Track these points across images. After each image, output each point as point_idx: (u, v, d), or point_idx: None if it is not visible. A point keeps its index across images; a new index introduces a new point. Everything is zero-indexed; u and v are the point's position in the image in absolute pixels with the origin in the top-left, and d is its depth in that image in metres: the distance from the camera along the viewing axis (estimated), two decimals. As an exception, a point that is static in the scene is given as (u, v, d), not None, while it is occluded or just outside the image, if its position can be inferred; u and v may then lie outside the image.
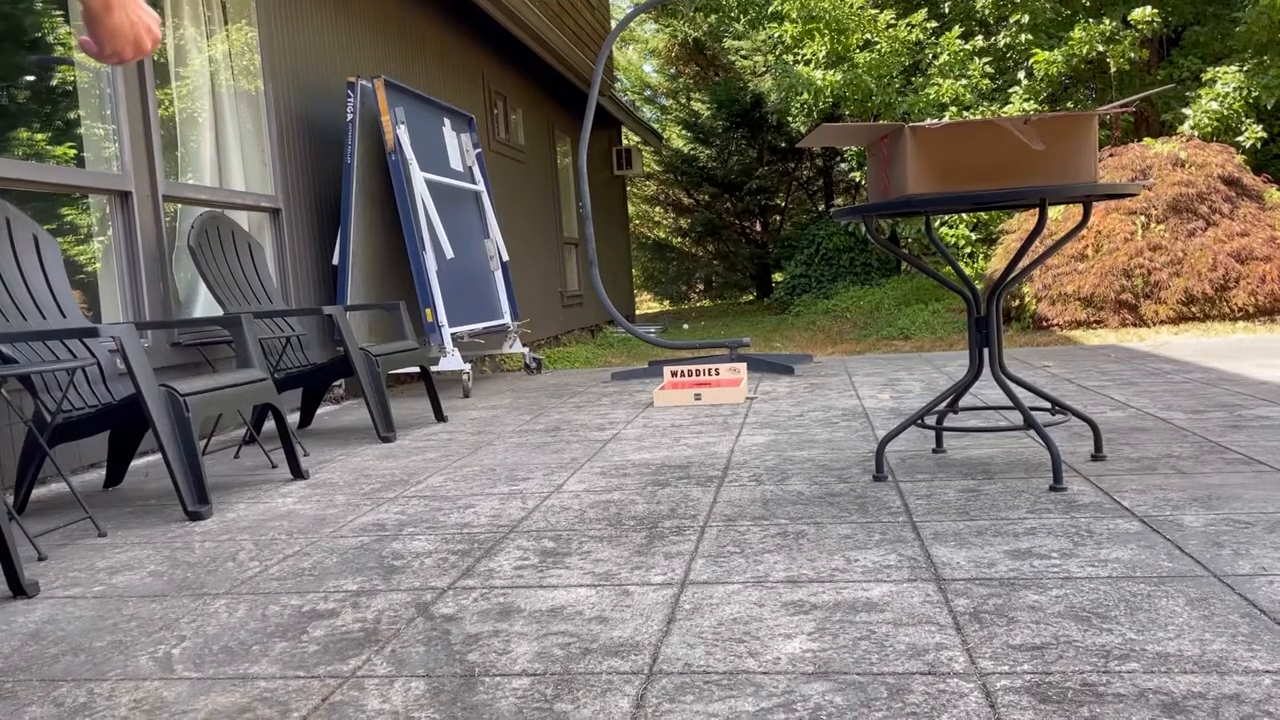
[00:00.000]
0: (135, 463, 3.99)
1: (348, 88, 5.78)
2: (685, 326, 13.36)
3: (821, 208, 19.61)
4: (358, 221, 5.76)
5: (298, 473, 3.46)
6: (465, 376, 5.84)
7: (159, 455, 3.99)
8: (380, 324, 6.03)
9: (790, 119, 12.13)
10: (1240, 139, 9.39)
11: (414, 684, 1.58)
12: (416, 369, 4.79)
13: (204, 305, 4.87)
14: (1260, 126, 9.49)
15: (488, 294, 6.83)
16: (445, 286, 5.94)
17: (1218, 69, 9.58)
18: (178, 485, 2.86)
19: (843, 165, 18.89)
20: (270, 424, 4.71)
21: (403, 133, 5.83)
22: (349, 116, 5.74)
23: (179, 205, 4.74)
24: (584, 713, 1.44)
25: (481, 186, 7.05)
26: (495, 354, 7.38)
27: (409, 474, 3.42)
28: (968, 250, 10.93)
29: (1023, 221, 8.90)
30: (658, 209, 23.16)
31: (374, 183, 5.97)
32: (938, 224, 11.04)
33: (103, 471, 3.65)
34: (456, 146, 6.82)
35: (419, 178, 5.87)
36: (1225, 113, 9.40)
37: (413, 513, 2.80)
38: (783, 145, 18.75)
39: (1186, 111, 9.65)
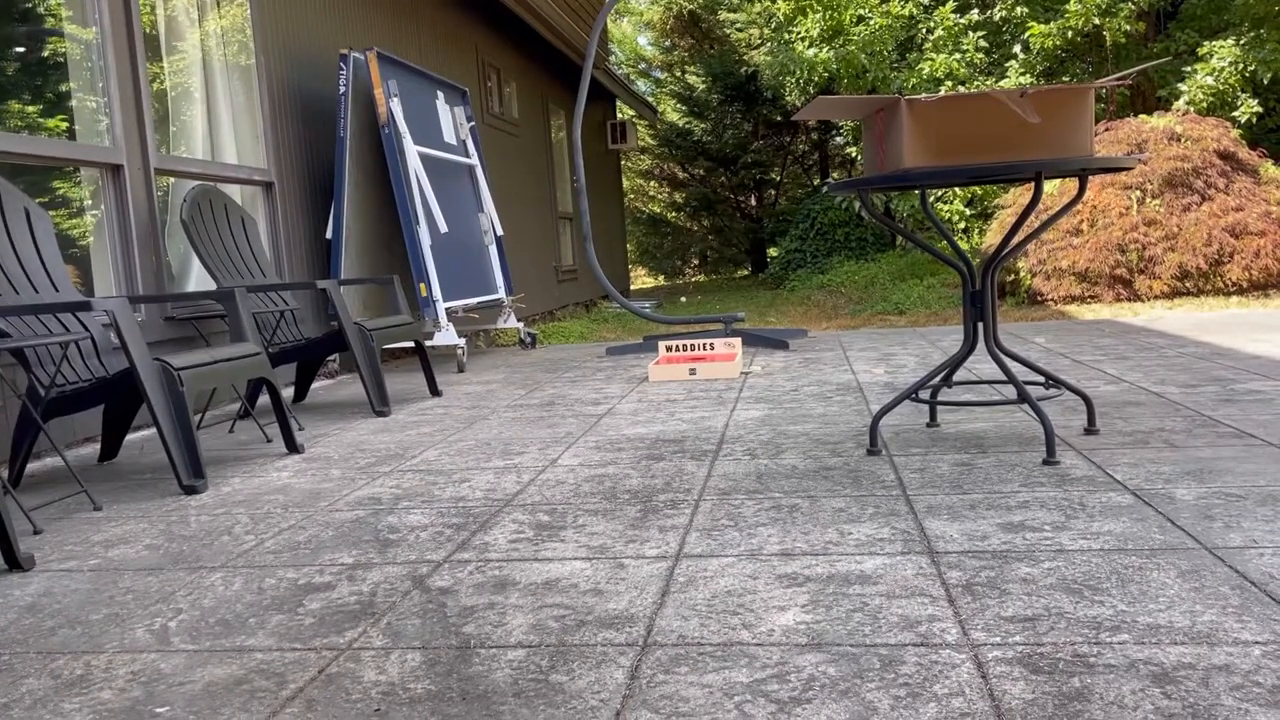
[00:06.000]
0: (130, 437, 3.99)
1: (340, 60, 5.73)
2: (683, 300, 13.35)
3: (817, 182, 19.56)
4: (351, 195, 5.73)
5: (292, 447, 3.46)
6: (460, 351, 5.83)
7: (154, 429, 3.98)
8: (374, 298, 6.02)
9: (785, 93, 12.08)
10: (1236, 114, 9.37)
11: (410, 656, 1.59)
12: (411, 344, 4.79)
13: (197, 279, 4.86)
14: (1256, 101, 9.45)
15: (482, 269, 6.82)
16: (439, 261, 5.92)
17: (1214, 43, 9.54)
18: (173, 459, 2.86)
19: (838, 139, 18.82)
20: (265, 398, 4.70)
21: (396, 106, 5.79)
22: (341, 90, 5.70)
23: (171, 179, 4.72)
24: (579, 684, 1.45)
25: (475, 160, 7.01)
26: (490, 329, 7.37)
27: (404, 448, 3.42)
28: (963, 225, 10.91)
29: (1018, 196, 8.89)
30: (652, 183, 23.07)
31: (367, 156, 5.94)
32: (933, 199, 11.02)
33: (97, 446, 3.65)
34: (450, 120, 6.78)
35: (412, 151, 5.84)
36: (1221, 87, 9.36)
37: (408, 487, 2.81)
38: (778, 119, 18.67)
39: (1182, 86, 9.62)
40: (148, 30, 4.57)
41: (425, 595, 1.87)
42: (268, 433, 3.86)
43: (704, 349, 5.34)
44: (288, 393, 4.93)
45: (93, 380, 3.16)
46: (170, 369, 2.90)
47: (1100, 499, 2.25)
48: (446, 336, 5.74)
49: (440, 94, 6.69)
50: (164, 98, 4.77)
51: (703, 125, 20.31)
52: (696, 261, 23.18)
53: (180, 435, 2.89)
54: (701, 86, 20.07)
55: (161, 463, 3.41)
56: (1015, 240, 2.81)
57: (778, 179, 20.79)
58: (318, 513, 2.57)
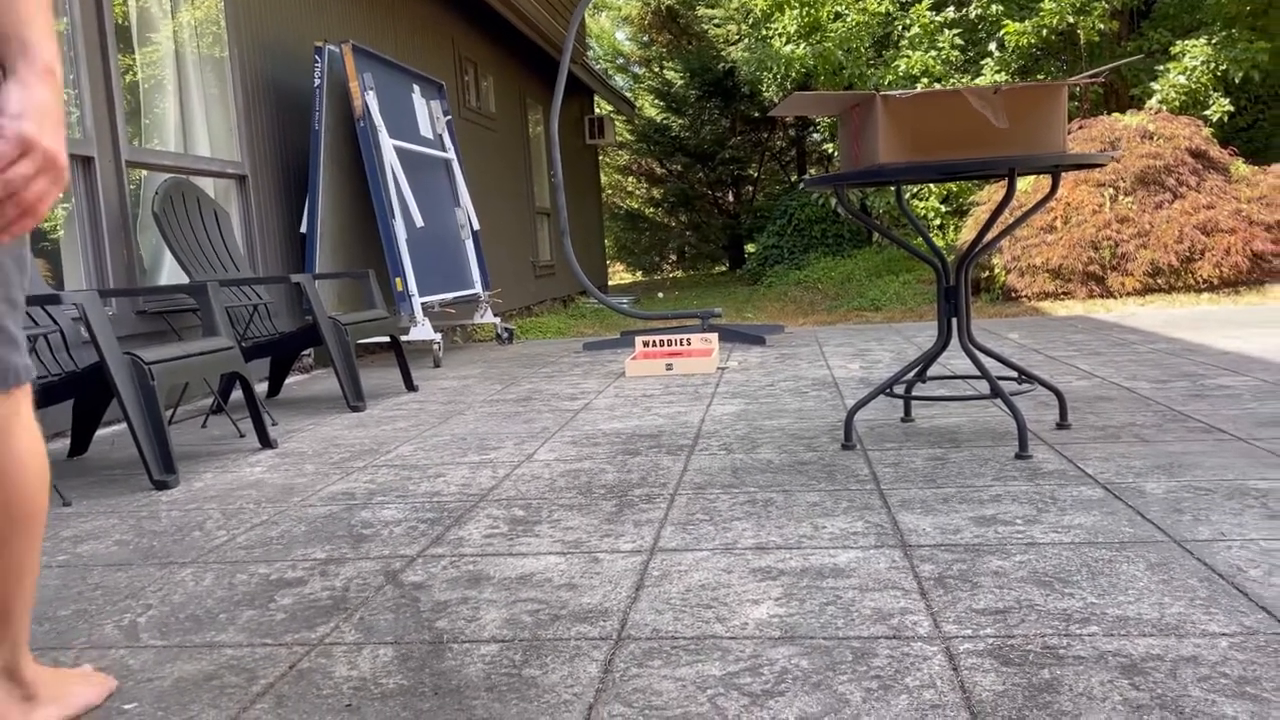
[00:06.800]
0: (101, 432, 3.94)
1: (315, 53, 5.69)
2: (660, 295, 13.36)
3: (794, 178, 19.60)
4: (326, 189, 5.69)
5: (266, 442, 3.43)
6: (436, 346, 5.81)
7: (124, 424, 3.93)
8: (349, 293, 5.98)
9: (762, 89, 12.10)
10: (1208, 112, 9.46)
11: (382, 651, 1.58)
12: (386, 338, 4.76)
13: (170, 273, 4.81)
14: (1227, 100, 9.56)
15: (459, 263, 6.79)
16: (415, 255, 5.89)
17: (1186, 42, 9.63)
18: (143, 454, 2.83)
19: (815, 135, 18.87)
20: (238, 393, 4.66)
21: (371, 99, 5.76)
22: (316, 82, 5.66)
23: (143, 171, 4.66)
24: (552, 678, 1.44)
25: (452, 154, 6.98)
26: (466, 324, 7.34)
27: (378, 443, 3.40)
28: (938, 222, 10.97)
29: (993, 193, 8.95)
30: (630, 179, 23.06)
31: (343, 150, 5.90)
32: (909, 195, 11.07)
33: (67, 441, 3.60)
34: (426, 113, 6.75)
35: (388, 145, 5.80)
36: (1193, 86, 9.46)
37: (382, 482, 2.79)
38: (755, 115, 18.70)
39: (1155, 85, 9.71)
40: (119, 21, 4.52)
41: (398, 590, 1.86)
42: (240, 428, 3.83)
43: (681, 344, 5.34)
44: (261, 387, 4.89)
45: (62, 374, 3.12)
46: (141, 363, 2.87)
47: (1071, 493, 2.26)
48: (422, 331, 5.72)
49: (416, 87, 6.66)
50: (136, 90, 4.72)
51: (680, 121, 20.32)
52: (674, 257, 23.20)
53: (151, 430, 2.86)
54: (679, 82, 20.07)
55: (132, 458, 3.38)
56: (989, 236, 2.83)
57: (755, 175, 20.83)
58: (290, 508, 2.55)
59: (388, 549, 2.13)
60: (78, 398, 3.34)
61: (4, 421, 1.26)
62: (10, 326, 1.26)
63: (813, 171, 19.61)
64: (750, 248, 17.75)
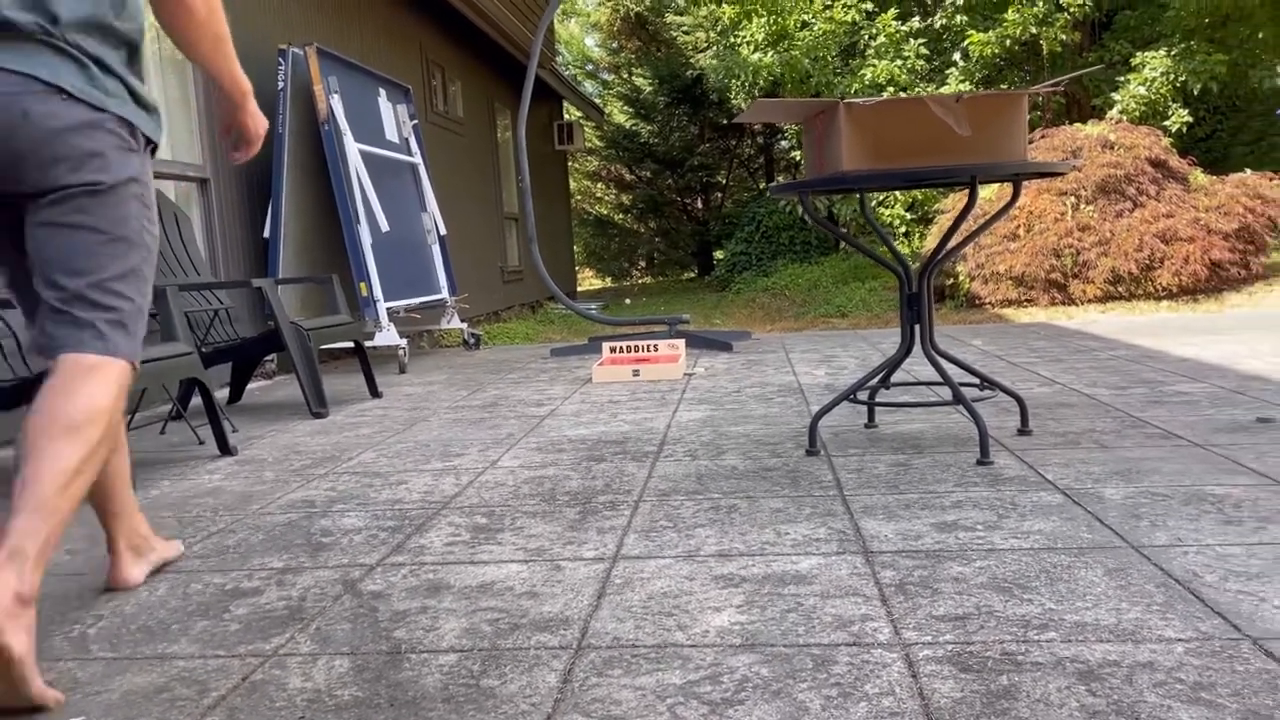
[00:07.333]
0: (56, 439, 3.87)
1: (279, 55, 5.64)
2: (628, 302, 13.35)
3: (762, 185, 19.68)
4: (290, 193, 5.64)
5: (225, 449, 3.38)
6: (401, 352, 5.76)
7: (80, 431, 3.86)
8: (313, 298, 5.92)
9: (730, 96, 12.14)
10: (1167, 123, 9.62)
11: (337, 662, 1.55)
12: (351, 344, 4.72)
13: (128, 277, 4.73)
14: (1186, 111, 9.71)
15: (425, 268, 6.75)
16: (380, 260, 5.85)
17: (1146, 54, 9.78)
18: (98, 462, 2.77)
19: (783, 143, 18.97)
20: (198, 399, 4.59)
21: (336, 103, 5.71)
22: (280, 85, 5.61)
23: (101, 174, 4.59)
24: (510, 688, 1.43)
25: (418, 158, 6.94)
26: (433, 329, 7.30)
27: (341, 450, 3.37)
28: (903, 230, 11.06)
29: (957, 201, 9.02)
30: (600, 185, 23.05)
31: (307, 153, 5.84)
32: (874, 203, 11.14)
33: (21, 448, 3.53)
34: (393, 117, 6.71)
35: (353, 149, 5.76)
36: (1153, 97, 9.61)
37: (343, 489, 2.76)
38: (724, 122, 18.76)
39: (1116, 96, 9.85)
40: (77, 21, 4.44)
41: (356, 600, 1.83)
42: (199, 435, 3.78)
43: (648, 350, 5.33)
44: (222, 394, 4.82)
45: (14, 380, 3.06)
46: (96, 369, 2.81)
47: (1031, 498, 2.28)
48: (387, 337, 5.67)
49: (382, 91, 6.61)
50: (94, 91, 4.64)
51: (649, 127, 20.35)
52: (643, 263, 23.21)
53: (106, 437, 2.80)
54: (648, 89, 20.10)
55: (88, 465, 3.31)
56: (950, 244, 2.85)
57: (724, 182, 20.90)
58: (248, 516, 2.51)
59: (347, 558, 2.10)
60: (31, 404, 3.26)
61: (92, 369, 1.69)
62: (144, 319, 1.91)
63: (780, 179, 19.70)
64: (719, 254, 17.79)
